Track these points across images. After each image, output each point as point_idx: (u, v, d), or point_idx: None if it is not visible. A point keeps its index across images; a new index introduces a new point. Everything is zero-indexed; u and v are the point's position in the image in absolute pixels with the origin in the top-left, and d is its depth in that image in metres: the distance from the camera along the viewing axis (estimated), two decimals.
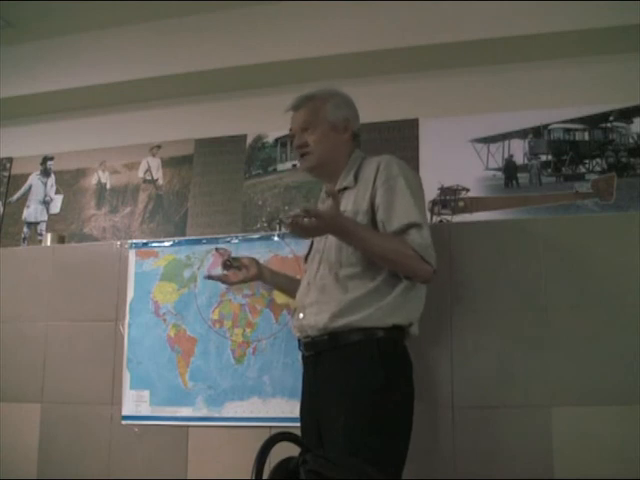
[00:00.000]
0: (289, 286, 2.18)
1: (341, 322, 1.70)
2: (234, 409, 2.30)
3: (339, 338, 1.71)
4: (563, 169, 2.86)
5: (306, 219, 1.61)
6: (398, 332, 1.73)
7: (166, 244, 2.54)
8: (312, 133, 1.87)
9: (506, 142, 2.94)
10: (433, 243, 1.74)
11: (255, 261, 2.21)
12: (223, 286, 2.39)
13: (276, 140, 3.26)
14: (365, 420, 1.62)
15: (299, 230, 1.66)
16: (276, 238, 2.43)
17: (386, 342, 1.70)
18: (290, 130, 1.96)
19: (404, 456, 1.68)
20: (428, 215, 2.89)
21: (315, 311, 1.77)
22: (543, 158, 2.89)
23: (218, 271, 2.27)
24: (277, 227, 3.10)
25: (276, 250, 2.37)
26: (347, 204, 1.81)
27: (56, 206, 3.56)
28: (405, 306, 1.73)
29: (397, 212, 1.72)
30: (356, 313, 1.70)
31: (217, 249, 2.30)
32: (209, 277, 2.26)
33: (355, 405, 1.64)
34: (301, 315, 1.83)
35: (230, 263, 2.21)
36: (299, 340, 1.86)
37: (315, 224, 1.62)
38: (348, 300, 1.71)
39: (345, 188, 1.85)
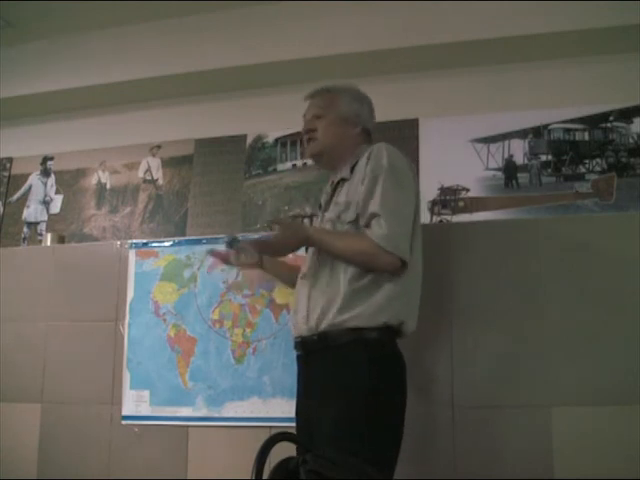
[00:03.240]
0: (290, 276, 2.12)
1: (331, 321, 1.70)
2: (234, 409, 2.30)
3: (328, 339, 1.71)
4: (563, 169, 2.86)
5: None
6: (388, 332, 1.72)
7: (166, 244, 2.54)
8: (323, 121, 1.91)
9: (506, 142, 2.93)
10: (413, 236, 1.73)
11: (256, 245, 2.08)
12: (223, 286, 2.39)
13: (276, 140, 3.26)
14: (352, 422, 1.61)
15: (263, 246, 1.83)
16: None
17: (374, 344, 1.69)
18: (303, 116, 1.98)
19: (394, 458, 1.66)
20: (428, 215, 2.89)
21: (306, 310, 1.77)
22: (543, 158, 2.89)
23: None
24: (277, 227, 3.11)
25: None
26: (342, 195, 1.82)
27: (56, 206, 3.56)
28: (395, 303, 1.72)
29: (367, 205, 1.72)
30: (345, 312, 1.69)
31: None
32: (212, 253, 2.14)
33: (344, 407, 1.63)
34: (295, 313, 1.84)
35: (231, 241, 2.04)
36: (294, 339, 1.86)
37: (278, 233, 1.78)
38: (339, 298, 1.71)
39: (343, 180, 1.86)
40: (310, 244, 1.82)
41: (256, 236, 1.89)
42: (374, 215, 1.70)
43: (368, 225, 1.71)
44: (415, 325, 1.79)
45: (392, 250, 1.67)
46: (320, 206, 2.00)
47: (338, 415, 1.63)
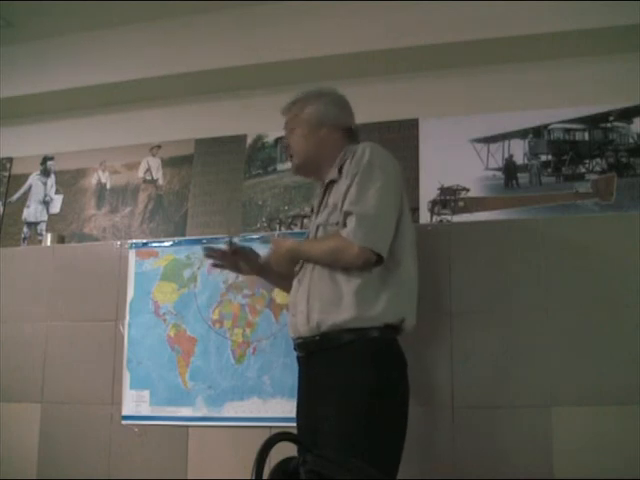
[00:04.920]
0: (281, 280, 2.14)
1: (332, 322, 1.70)
2: (234, 409, 2.30)
3: (331, 339, 1.71)
4: (563, 169, 2.85)
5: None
6: (390, 331, 1.73)
7: (166, 244, 2.54)
8: (293, 135, 1.95)
9: (506, 142, 2.93)
10: (388, 227, 1.73)
11: (251, 253, 2.13)
12: (223, 286, 2.39)
13: (276, 140, 3.26)
14: (358, 421, 1.62)
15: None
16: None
17: (378, 342, 1.70)
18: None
19: (398, 458, 1.67)
20: (428, 215, 2.89)
21: (305, 310, 1.77)
22: (543, 158, 2.89)
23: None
24: (277, 227, 3.11)
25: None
26: (331, 197, 1.83)
27: (56, 206, 3.56)
28: (396, 302, 1.73)
29: (344, 205, 1.74)
30: (348, 314, 1.69)
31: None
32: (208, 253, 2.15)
33: (348, 406, 1.64)
34: (293, 314, 1.84)
35: (230, 244, 2.11)
36: (293, 341, 1.86)
37: (270, 251, 1.86)
38: (338, 299, 1.71)
39: (332, 182, 1.86)
40: (294, 256, 1.84)
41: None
42: (347, 214, 1.72)
43: (345, 225, 1.72)
44: (415, 320, 1.80)
45: (361, 243, 1.67)
46: (312, 210, 2.01)
47: (340, 415, 1.63)
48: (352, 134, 1.95)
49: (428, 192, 2.91)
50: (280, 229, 3.07)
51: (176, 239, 2.61)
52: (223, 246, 2.12)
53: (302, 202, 3.06)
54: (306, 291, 1.79)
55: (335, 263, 1.73)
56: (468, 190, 2.91)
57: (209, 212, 3.26)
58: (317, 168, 1.93)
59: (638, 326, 1.99)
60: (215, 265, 2.16)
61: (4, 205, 3.63)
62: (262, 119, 3.23)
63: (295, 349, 1.86)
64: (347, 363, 1.68)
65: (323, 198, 1.89)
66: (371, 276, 1.71)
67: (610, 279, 2.07)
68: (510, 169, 2.91)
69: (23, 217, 3.59)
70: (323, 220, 1.82)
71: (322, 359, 1.74)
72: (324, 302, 1.72)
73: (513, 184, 2.88)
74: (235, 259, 2.11)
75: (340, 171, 1.83)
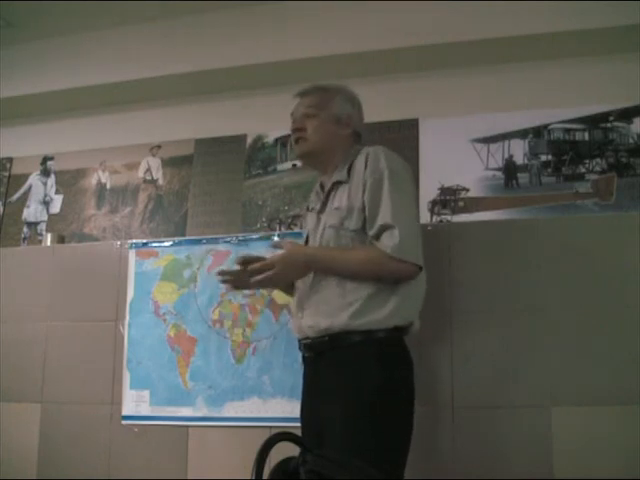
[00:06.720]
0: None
1: (343, 325, 1.70)
2: (234, 409, 2.30)
3: (339, 339, 1.71)
4: (563, 169, 2.85)
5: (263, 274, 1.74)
6: (397, 332, 1.73)
7: (166, 244, 2.54)
8: (313, 121, 1.88)
9: (506, 142, 2.93)
10: (420, 239, 1.74)
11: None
12: (223, 286, 2.39)
13: (276, 140, 3.26)
14: (365, 421, 1.62)
15: (266, 282, 1.78)
16: (276, 238, 2.43)
17: (386, 343, 1.70)
18: (291, 115, 1.95)
19: (404, 457, 1.67)
20: (428, 215, 2.89)
21: (314, 312, 1.76)
22: (543, 158, 2.89)
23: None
24: (277, 227, 3.11)
25: (275, 250, 2.36)
26: (341, 199, 1.80)
27: (56, 206, 3.56)
28: (405, 307, 1.73)
29: (375, 215, 1.71)
30: (359, 318, 1.68)
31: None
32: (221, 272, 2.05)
33: (355, 406, 1.64)
34: (300, 316, 1.83)
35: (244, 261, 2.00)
36: (299, 341, 1.86)
37: (274, 271, 1.73)
38: (348, 303, 1.70)
39: (339, 182, 1.84)
40: (313, 264, 1.77)
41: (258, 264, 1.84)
42: (385, 227, 1.69)
43: (378, 236, 1.70)
44: (419, 324, 1.80)
45: (406, 258, 1.67)
46: (308, 208, 2.00)
47: (347, 414, 1.63)
48: (358, 137, 1.95)
49: (428, 192, 2.91)
50: (280, 229, 3.07)
51: (176, 239, 2.61)
52: (236, 267, 2.00)
53: (302, 202, 3.06)
54: (315, 294, 1.78)
55: (374, 276, 1.71)
56: (468, 190, 2.91)
57: (209, 212, 3.26)
58: (323, 161, 1.91)
59: (638, 326, 1.99)
60: (231, 286, 2.03)
61: (4, 205, 3.63)
62: (262, 119, 3.24)
63: (300, 349, 1.86)
64: (354, 363, 1.68)
65: (327, 198, 1.88)
66: (386, 283, 1.71)
67: (610, 279, 2.07)
68: (510, 169, 2.91)
69: (23, 217, 3.59)
70: (335, 223, 1.78)
71: (329, 359, 1.73)
72: (334, 307, 1.71)
73: (513, 184, 2.88)
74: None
75: (349, 173, 1.83)
